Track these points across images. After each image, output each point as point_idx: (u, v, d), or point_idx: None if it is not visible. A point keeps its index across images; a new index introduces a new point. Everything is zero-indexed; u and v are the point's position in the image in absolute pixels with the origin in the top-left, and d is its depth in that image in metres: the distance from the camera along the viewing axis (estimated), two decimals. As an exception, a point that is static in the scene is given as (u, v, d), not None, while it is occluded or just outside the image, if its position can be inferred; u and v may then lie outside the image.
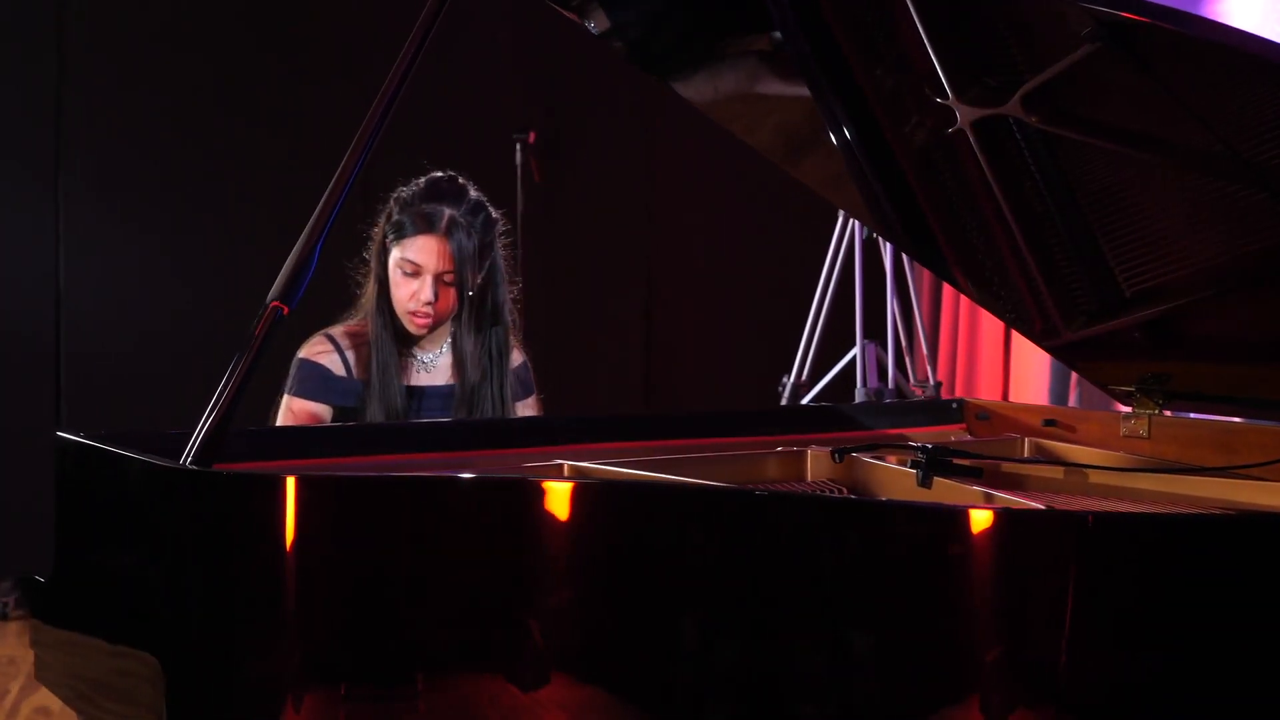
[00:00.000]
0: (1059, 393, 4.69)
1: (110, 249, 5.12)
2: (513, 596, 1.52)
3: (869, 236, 3.96)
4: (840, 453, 2.17)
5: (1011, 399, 5.02)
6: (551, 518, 1.47)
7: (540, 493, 1.46)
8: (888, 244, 3.96)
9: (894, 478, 2.18)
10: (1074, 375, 4.54)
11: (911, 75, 2.48)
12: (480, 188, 5.49)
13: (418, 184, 2.89)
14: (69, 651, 2.15)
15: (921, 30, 2.31)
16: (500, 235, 2.94)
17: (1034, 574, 1.62)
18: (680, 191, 5.81)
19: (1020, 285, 2.60)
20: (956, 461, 2.05)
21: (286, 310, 1.89)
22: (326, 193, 1.98)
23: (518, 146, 5.48)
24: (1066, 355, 2.62)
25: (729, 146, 5.65)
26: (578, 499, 1.45)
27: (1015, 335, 5.12)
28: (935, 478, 2.07)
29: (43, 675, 2.27)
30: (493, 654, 1.51)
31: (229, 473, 1.78)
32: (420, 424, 2.71)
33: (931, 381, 3.92)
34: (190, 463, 1.82)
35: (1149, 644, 1.65)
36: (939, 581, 1.60)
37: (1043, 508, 1.77)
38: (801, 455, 2.39)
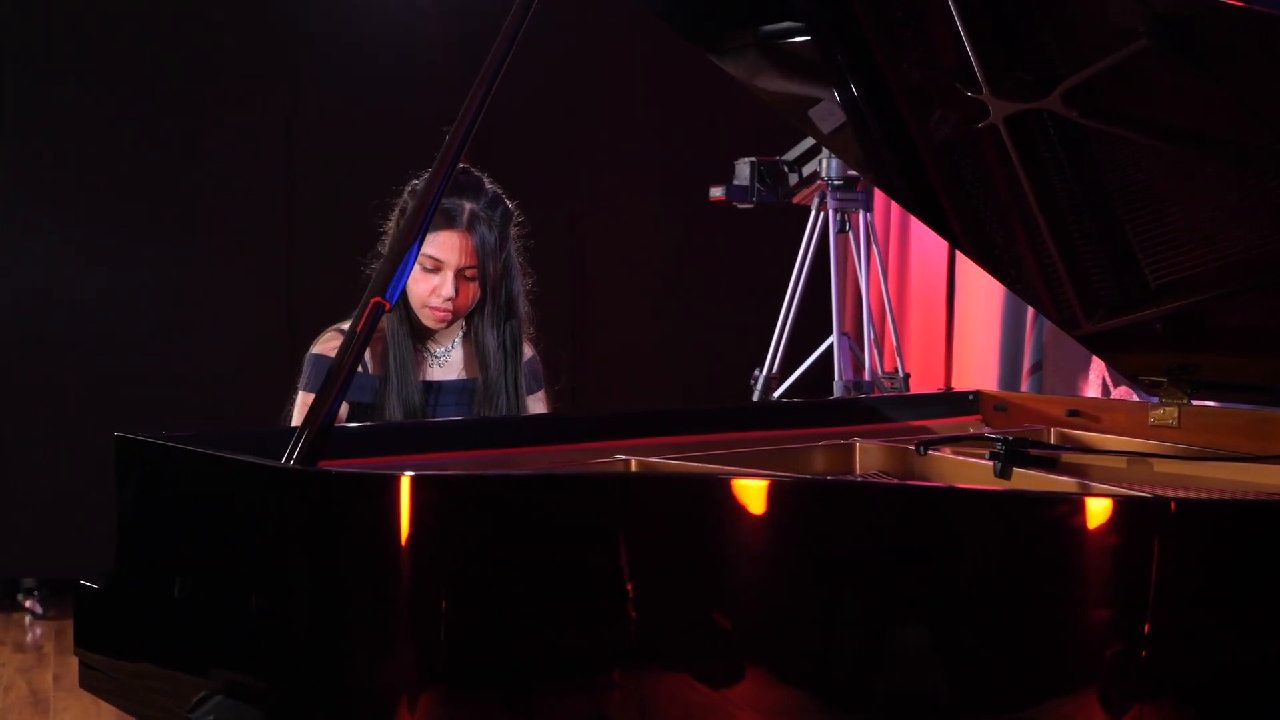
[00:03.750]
0: (1009, 385, 4.73)
1: (26, 244, 5.04)
2: (694, 595, 1.51)
3: (842, 229, 4.00)
4: (924, 445, 2.19)
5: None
6: (745, 514, 1.47)
7: (730, 490, 1.46)
8: (862, 240, 4.00)
9: (955, 469, 2.21)
10: (1025, 367, 4.61)
11: (939, 70, 2.50)
12: (411, 179, 5.45)
13: (433, 177, 2.83)
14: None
15: (960, 25, 2.32)
16: (515, 227, 2.91)
17: (1156, 560, 1.67)
18: (609, 186, 5.80)
19: (1036, 278, 2.64)
20: (1034, 452, 2.09)
21: (389, 306, 1.87)
22: (421, 191, 1.97)
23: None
24: (1090, 345, 2.66)
25: (663, 144, 5.71)
26: (773, 496, 1.45)
27: (958, 330, 5.17)
28: (1001, 469, 2.10)
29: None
30: (676, 652, 1.50)
31: (343, 472, 1.74)
32: (465, 422, 2.69)
33: (900, 374, 3.97)
34: (295, 462, 1.79)
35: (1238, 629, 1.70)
36: (1089, 569, 1.64)
37: (1149, 495, 1.80)
38: (850, 448, 2.42)
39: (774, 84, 2.80)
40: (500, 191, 2.89)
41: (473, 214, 2.77)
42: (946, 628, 1.55)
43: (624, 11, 5.26)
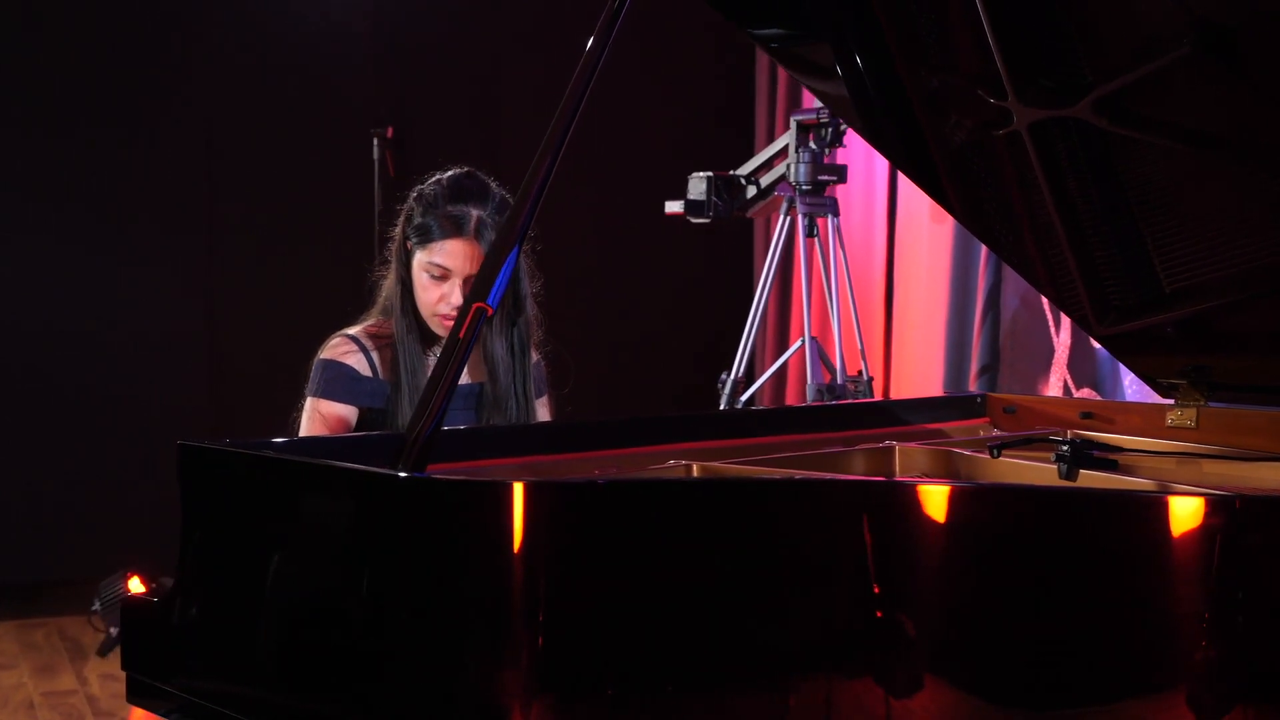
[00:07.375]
0: (955, 388, 4.76)
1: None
2: (867, 601, 1.51)
3: (810, 232, 4.01)
4: (997, 449, 2.22)
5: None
6: (927, 520, 1.47)
7: (916, 495, 1.46)
8: (831, 244, 4.02)
9: (1012, 470, 2.24)
10: (973, 370, 4.66)
11: (958, 76, 2.52)
12: (338, 182, 5.40)
13: (440, 183, 2.79)
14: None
15: (989, 32, 2.34)
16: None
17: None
18: (558, 193, 5.79)
19: (1045, 280, 2.68)
20: (1097, 454, 2.13)
21: (491, 311, 1.84)
22: (516, 198, 1.95)
23: (375, 141, 5.38)
24: (1106, 346, 2.70)
25: (614, 153, 5.71)
26: (954, 502, 1.46)
27: (896, 339, 5.20)
28: (1067, 471, 2.14)
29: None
30: (848, 660, 1.50)
31: (463, 479, 1.71)
32: (507, 428, 2.67)
33: (865, 376, 4.00)
34: (406, 470, 1.75)
35: None
36: (1189, 566, 1.69)
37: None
38: (889, 450, 2.44)
39: (795, 68, 2.82)
40: (507, 195, 2.85)
41: (479, 221, 2.73)
42: (1094, 628, 1.58)
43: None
